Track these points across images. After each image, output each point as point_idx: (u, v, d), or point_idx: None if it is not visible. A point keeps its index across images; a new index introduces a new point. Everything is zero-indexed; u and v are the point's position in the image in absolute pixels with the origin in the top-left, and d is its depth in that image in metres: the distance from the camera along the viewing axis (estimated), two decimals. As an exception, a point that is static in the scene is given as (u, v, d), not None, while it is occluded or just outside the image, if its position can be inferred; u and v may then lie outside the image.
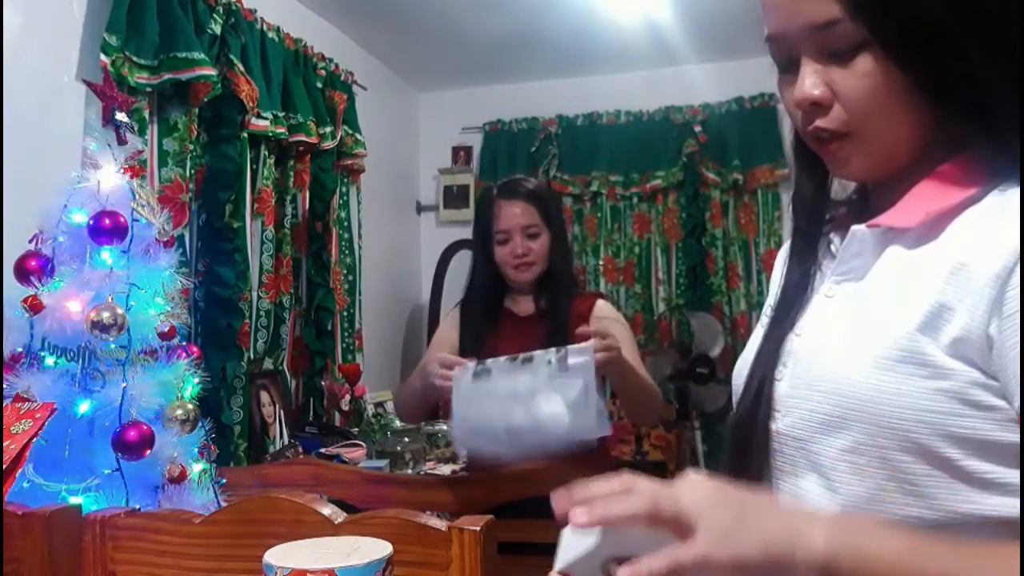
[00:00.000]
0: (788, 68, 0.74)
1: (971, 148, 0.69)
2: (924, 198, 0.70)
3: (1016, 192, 0.65)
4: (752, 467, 0.76)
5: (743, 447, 0.77)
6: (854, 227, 0.74)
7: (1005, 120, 0.67)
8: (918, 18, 0.66)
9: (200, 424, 1.42)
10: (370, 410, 3.04)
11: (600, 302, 2.06)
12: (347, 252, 3.17)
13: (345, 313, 3.13)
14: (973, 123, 0.68)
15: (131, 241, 1.39)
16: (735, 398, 0.83)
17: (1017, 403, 0.61)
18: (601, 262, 3.92)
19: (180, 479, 1.35)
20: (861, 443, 0.67)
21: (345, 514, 1.00)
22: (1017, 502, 0.62)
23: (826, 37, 0.69)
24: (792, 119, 0.76)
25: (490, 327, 2.04)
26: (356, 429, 2.87)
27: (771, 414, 0.75)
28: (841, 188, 0.83)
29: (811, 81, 0.70)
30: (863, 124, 0.70)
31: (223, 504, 1.39)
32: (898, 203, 0.72)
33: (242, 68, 2.40)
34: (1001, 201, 0.66)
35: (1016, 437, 0.62)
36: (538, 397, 1.66)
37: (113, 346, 1.34)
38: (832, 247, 0.79)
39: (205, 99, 2.25)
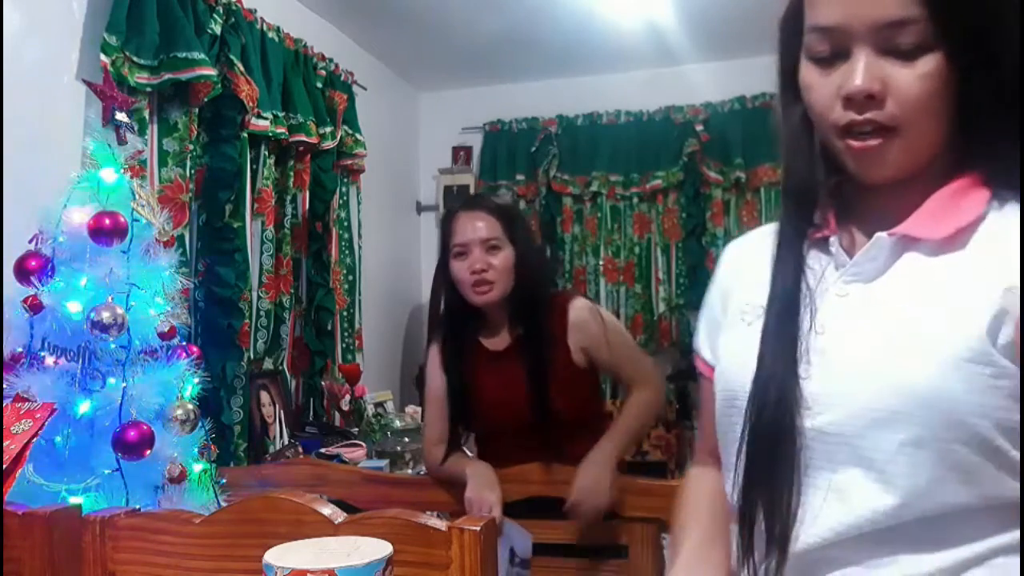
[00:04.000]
0: (827, 60, 0.74)
1: (982, 163, 0.73)
2: (947, 211, 0.73)
3: None
4: (785, 467, 0.75)
5: (770, 446, 0.76)
6: (878, 234, 0.76)
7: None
8: (992, 30, 0.69)
9: (200, 424, 1.42)
10: (370, 410, 3.04)
11: (573, 308, 1.85)
12: (347, 252, 3.17)
13: (345, 313, 3.13)
14: (1008, 138, 0.72)
15: (131, 241, 1.39)
16: (725, 395, 0.82)
17: None
18: (601, 262, 3.92)
19: (180, 479, 1.35)
20: (923, 437, 0.69)
21: (345, 514, 1.00)
22: None
23: (894, 34, 0.70)
24: (818, 110, 0.76)
25: (467, 368, 1.88)
26: (356, 429, 2.87)
27: (799, 411, 0.74)
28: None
29: (868, 75, 0.71)
30: (911, 122, 0.72)
31: (223, 504, 1.39)
32: (917, 213, 0.75)
33: (242, 68, 2.40)
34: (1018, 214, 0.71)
35: None
36: None
37: (113, 346, 1.34)
38: (831, 248, 0.79)
39: (205, 99, 2.25)
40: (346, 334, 3.13)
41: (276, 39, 2.68)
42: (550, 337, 1.83)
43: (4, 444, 1.16)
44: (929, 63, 0.70)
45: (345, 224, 3.16)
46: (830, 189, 0.81)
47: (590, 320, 1.85)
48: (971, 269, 0.71)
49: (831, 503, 0.73)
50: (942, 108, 0.71)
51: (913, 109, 0.71)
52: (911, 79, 0.70)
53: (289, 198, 2.81)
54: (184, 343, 1.50)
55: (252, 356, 2.57)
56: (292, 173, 2.81)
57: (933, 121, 0.72)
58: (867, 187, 0.78)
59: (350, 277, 3.18)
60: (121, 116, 1.48)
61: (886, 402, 0.70)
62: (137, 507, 1.20)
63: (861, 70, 0.71)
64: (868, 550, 0.71)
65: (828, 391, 0.74)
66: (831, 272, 0.79)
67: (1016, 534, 0.70)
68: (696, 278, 3.77)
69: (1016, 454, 0.69)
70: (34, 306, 1.31)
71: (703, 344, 0.94)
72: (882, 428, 0.70)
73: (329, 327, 2.99)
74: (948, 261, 0.73)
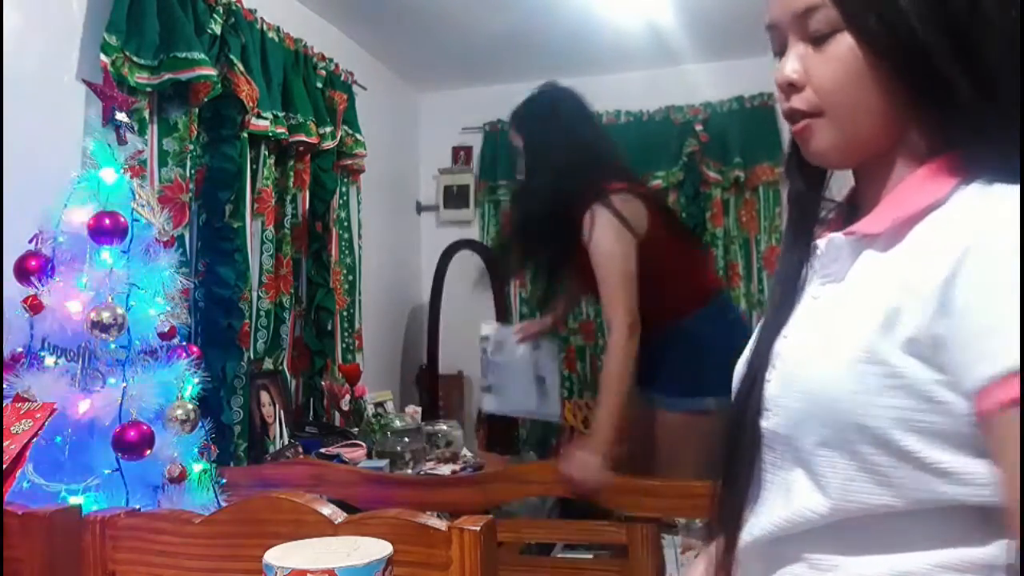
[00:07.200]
0: (780, 56, 0.78)
1: (948, 147, 0.71)
2: (895, 204, 0.73)
3: (983, 189, 0.68)
4: (743, 463, 0.80)
5: (735, 444, 0.81)
6: (831, 235, 0.78)
7: (974, 117, 0.69)
8: (889, 8, 0.69)
9: (200, 424, 1.42)
10: (370, 410, 3.04)
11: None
12: (347, 252, 3.16)
13: (345, 313, 3.13)
14: (943, 118, 0.71)
15: (131, 241, 1.39)
16: (733, 398, 0.86)
17: (968, 386, 0.63)
18: (601, 262, 3.91)
19: (180, 479, 1.35)
20: (829, 438, 0.71)
21: (345, 514, 1.00)
22: (970, 490, 0.66)
23: (808, 22, 0.73)
24: (780, 105, 0.79)
25: None
26: (356, 429, 2.87)
27: (761, 413, 0.78)
28: (837, 191, 0.86)
29: (791, 65, 0.75)
30: (831, 105, 0.74)
31: (223, 504, 1.40)
32: (875, 209, 0.75)
33: (242, 68, 2.40)
34: (961, 201, 0.69)
35: (966, 430, 0.65)
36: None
37: (113, 346, 1.34)
38: (818, 250, 0.81)
39: (205, 99, 2.24)
40: (346, 334, 3.13)
41: (276, 39, 2.68)
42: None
43: (4, 444, 1.16)
44: (839, 46, 0.72)
45: (345, 224, 3.16)
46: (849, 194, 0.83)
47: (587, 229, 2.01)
48: (893, 264, 0.71)
49: (779, 499, 0.76)
50: (867, 88, 0.71)
51: (828, 91, 0.73)
52: (823, 63, 0.73)
53: (289, 198, 2.81)
54: (184, 343, 1.50)
55: (252, 356, 2.57)
56: (292, 173, 2.81)
57: (859, 101, 0.72)
58: (862, 184, 0.80)
59: (350, 277, 3.18)
60: (121, 116, 1.48)
61: (798, 405, 0.74)
62: (137, 507, 1.20)
63: (785, 60, 0.75)
64: (811, 550, 0.74)
65: (776, 394, 0.77)
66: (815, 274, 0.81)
67: (964, 551, 0.67)
68: (696, 278, 3.77)
69: (940, 455, 0.66)
70: (34, 306, 1.31)
71: None
72: (802, 430, 0.73)
73: (329, 327, 2.99)
74: (889, 257, 0.72)
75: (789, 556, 0.76)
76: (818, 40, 0.73)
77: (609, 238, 1.97)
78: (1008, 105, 0.69)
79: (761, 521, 0.78)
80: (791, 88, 0.75)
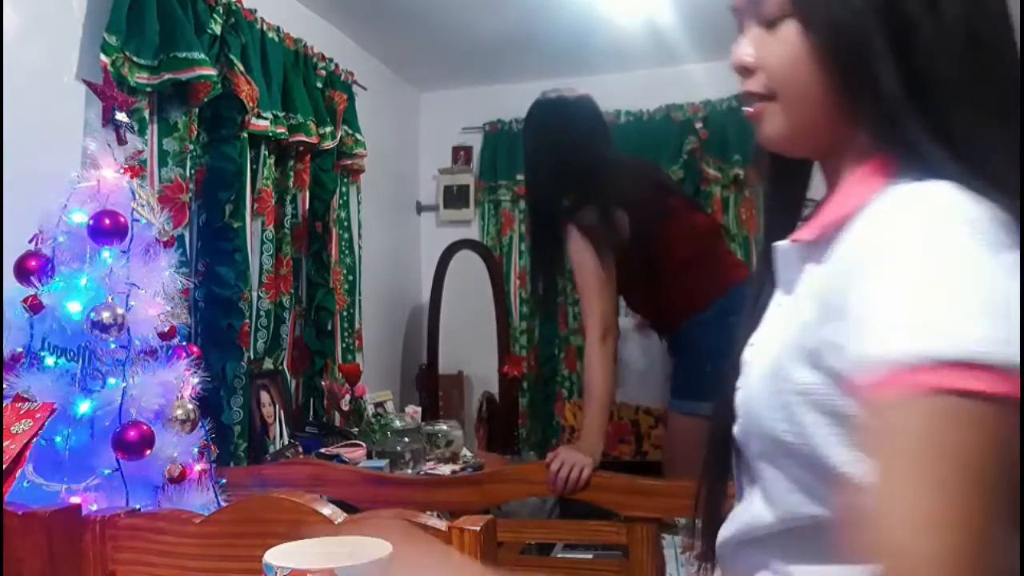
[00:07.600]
0: None
1: (889, 147, 0.68)
2: (830, 208, 0.71)
3: (906, 188, 0.63)
4: (719, 468, 0.82)
5: (711, 449, 0.83)
6: (776, 243, 0.77)
7: (902, 116, 0.66)
8: (843, 3, 0.67)
9: (200, 424, 1.42)
10: (370, 410, 3.04)
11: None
12: (347, 252, 3.17)
13: (345, 313, 3.13)
14: (876, 115, 0.68)
15: (131, 241, 1.39)
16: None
17: (859, 375, 0.58)
18: (601, 262, 3.91)
19: (180, 479, 1.35)
20: (760, 450, 0.72)
21: (345, 514, 1.00)
22: None
23: (761, 4, 0.73)
24: (739, 87, 0.78)
25: None
26: (356, 429, 2.87)
27: (735, 420, 0.78)
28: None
29: (744, 48, 0.75)
30: (781, 89, 0.73)
31: (223, 504, 1.40)
32: (814, 216, 0.74)
33: (242, 68, 2.40)
34: (882, 201, 0.64)
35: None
36: None
37: (113, 346, 1.34)
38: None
39: (205, 99, 2.25)
40: (346, 334, 3.13)
41: (276, 39, 2.68)
42: None
43: (4, 444, 1.16)
44: (787, 30, 0.71)
45: (345, 224, 3.16)
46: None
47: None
48: (819, 272, 0.68)
49: (745, 504, 0.77)
50: (811, 76, 0.69)
51: (777, 75, 0.72)
52: (774, 47, 0.72)
53: (289, 198, 2.81)
54: (184, 343, 1.50)
55: (252, 356, 2.57)
56: (292, 173, 2.81)
57: (807, 88, 0.70)
58: (828, 183, 0.77)
59: (350, 277, 3.18)
60: (121, 116, 1.48)
61: (743, 416, 0.75)
62: (137, 507, 1.20)
63: (740, 43, 0.75)
64: (773, 557, 0.73)
65: (739, 402, 0.77)
66: None
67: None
68: (696, 277, 3.77)
69: (854, 469, 0.61)
70: (34, 306, 1.31)
71: None
72: (747, 439, 0.75)
73: (329, 327, 2.99)
74: (819, 264, 0.69)
75: (756, 563, 0.76)
76: (771, 23, 0.72)
77: (581, 252, 2.05)
78: (948, 109, 0.65)
79: (732, 524, 0.79)
80: (745, 71, 0.75)
